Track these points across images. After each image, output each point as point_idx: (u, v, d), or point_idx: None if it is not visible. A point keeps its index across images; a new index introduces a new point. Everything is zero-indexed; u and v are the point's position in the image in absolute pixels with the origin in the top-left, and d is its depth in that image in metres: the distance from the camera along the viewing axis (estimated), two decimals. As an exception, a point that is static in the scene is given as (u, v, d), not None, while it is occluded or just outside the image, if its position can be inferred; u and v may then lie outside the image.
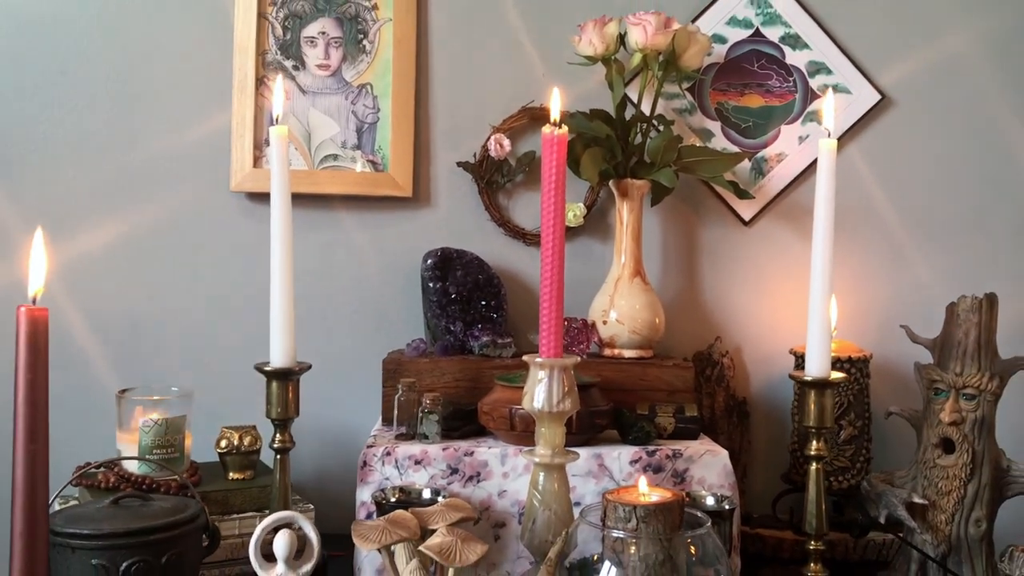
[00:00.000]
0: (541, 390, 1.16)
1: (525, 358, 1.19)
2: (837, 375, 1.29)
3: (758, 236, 1.69)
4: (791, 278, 1.67)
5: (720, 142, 1.68)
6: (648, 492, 1.07)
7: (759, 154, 1.68)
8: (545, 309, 1.16)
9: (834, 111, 1.33)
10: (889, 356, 1.64)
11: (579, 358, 1.25)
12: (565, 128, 1.18)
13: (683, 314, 1.67)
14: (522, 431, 1.31)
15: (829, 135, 1.29)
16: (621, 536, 1.03)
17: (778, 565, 1.47)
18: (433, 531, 1.13)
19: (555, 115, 1.20)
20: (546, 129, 1.17)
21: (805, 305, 1.28)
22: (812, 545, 1.29)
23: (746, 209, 1.68)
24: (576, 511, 1.19)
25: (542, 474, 1.18)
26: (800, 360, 1.48)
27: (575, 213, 1.63)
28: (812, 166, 1.65)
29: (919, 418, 1.40)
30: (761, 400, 1.69)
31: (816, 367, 1.27)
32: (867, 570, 1.45)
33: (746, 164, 1.67)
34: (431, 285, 1.55)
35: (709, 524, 1.06)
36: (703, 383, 1.63)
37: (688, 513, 1.07)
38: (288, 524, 1.16)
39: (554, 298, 1.16)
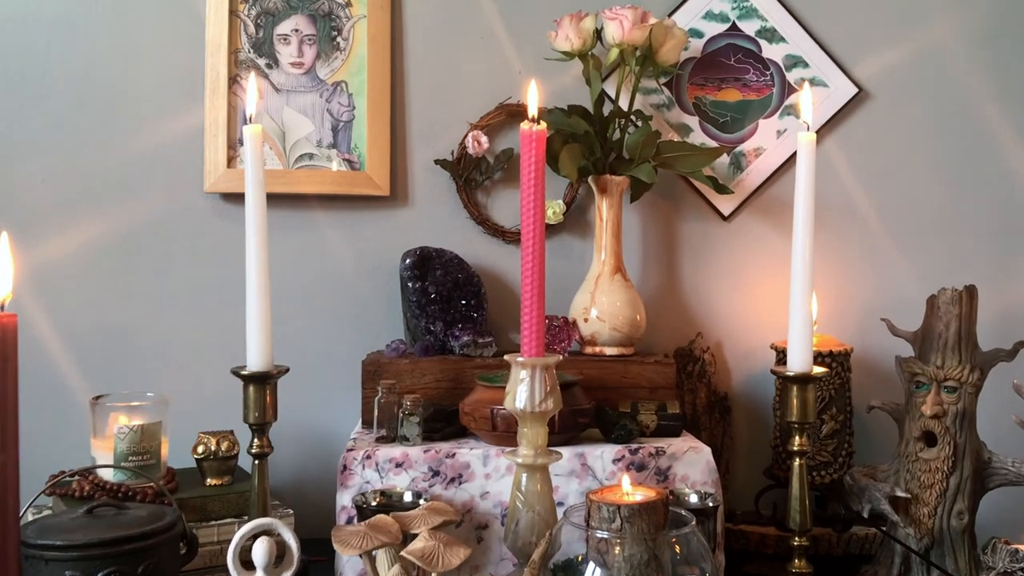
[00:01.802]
0: (523, 390, 1.15)
1: (507, 357, 1.18)
2: (819, 370, 1.28)
3: (737, 231, 1.69)
4: (771, 273, 1.67)
5: (698, 137, 1.67)
6: (632, 491, 1.06)
7: (737, 149, 1.68)
8: (526, 307, 1.16)
9: (811, 105, 1.33)
10: (870, 350, 1.64)
11: (560, 356, 1.24)
12: (543, 124, 1.17)
13: (664, 310, 1.67)
14: (504, 431, 1.30)
15: (808, 128, 1.28)
16: (605, 537, 1.02)
17: (762, 561, 1.47)
18: (415, 535, 1.12)
19: (533, 111, 1.19)
20: (524, 125, 1.16)
21: (785, 300, 1.28)
22: (796, 541, 1.28)
23: (725, 204, 1.67)
24: (559, 511, 1.19)
25: (525, 475, 1.17)
26: (781, 355, 1.48)
27: (554, 210, 1.62)
28: (790, 160, 1.65)
29: (901, 412, 1.40)
30: (743, 395, 1.68)
31: (798, 362, 1.27)
32: (850, 564, 1.46)
33: (724, 159, 1.67)
34: (410, 285, 1.53)
35: (693, 523, 1.05)
36: (685, 379, 1.62)
37: (672, 512, 1.06)
38: (267, 531, 1.14)
39: (535, 296, 1.15)
